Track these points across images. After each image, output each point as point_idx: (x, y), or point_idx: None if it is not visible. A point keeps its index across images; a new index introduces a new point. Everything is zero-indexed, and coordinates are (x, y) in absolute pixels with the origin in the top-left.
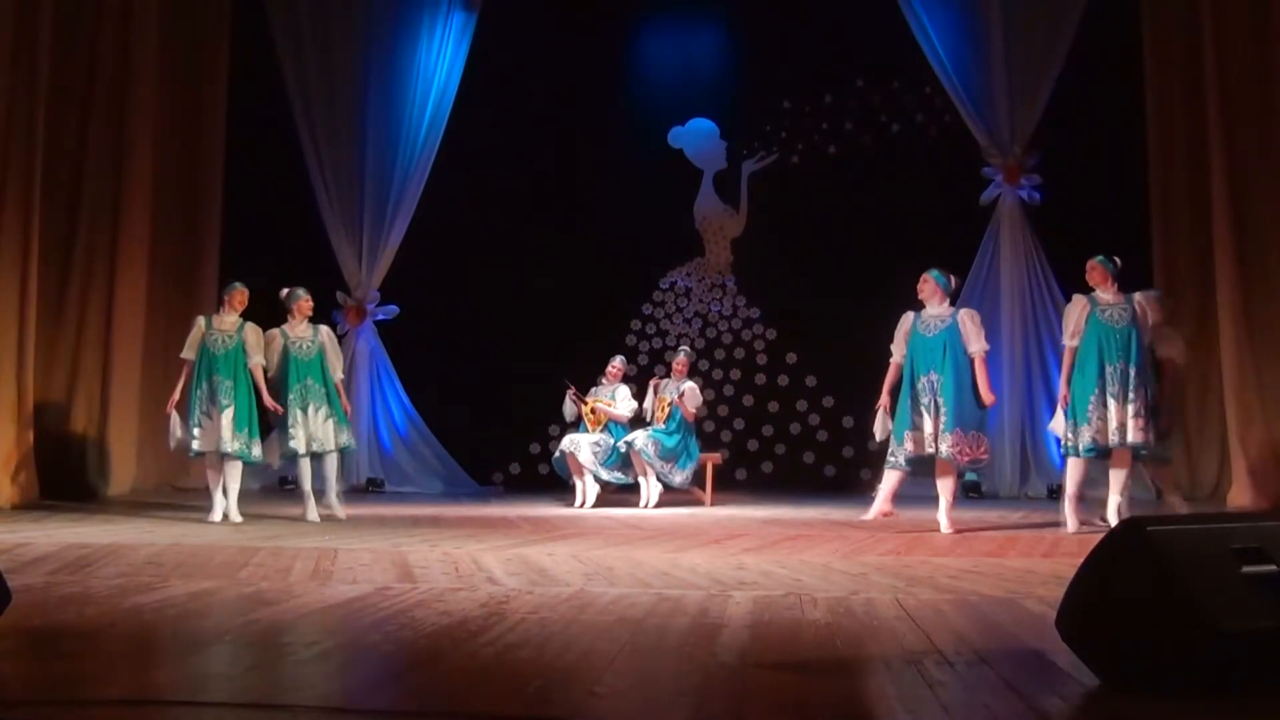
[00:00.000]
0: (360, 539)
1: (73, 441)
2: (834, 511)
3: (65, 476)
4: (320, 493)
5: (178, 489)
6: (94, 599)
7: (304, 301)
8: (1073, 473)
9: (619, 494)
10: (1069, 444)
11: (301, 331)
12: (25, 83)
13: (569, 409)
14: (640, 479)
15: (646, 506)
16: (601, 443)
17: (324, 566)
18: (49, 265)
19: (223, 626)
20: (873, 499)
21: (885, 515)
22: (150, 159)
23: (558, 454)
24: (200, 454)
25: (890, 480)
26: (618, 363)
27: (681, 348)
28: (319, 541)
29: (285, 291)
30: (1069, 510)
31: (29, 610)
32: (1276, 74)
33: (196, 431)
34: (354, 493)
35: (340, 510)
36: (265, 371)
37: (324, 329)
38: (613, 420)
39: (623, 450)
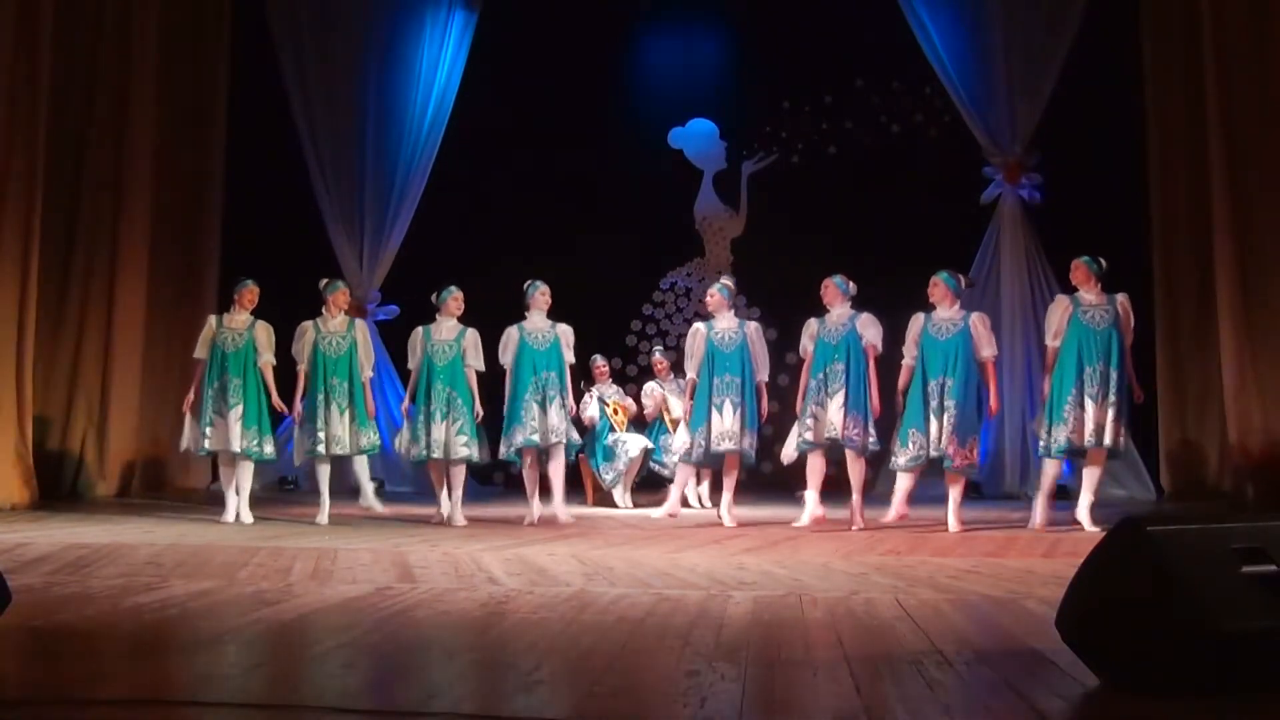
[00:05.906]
0: (360, 539)
1: (73, 442)
2: (835, 511)
3: (65, 477)
4: (356, 493)
5: (178, 489)
6: (94, 599)
7: (340, 294)
8: (1048, 472)
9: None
10: (1044, 444)
11: (335, 327)
12: (26, 84)
13: (593, 411)
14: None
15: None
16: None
17: (324, 566)
18: (49, 266)
19: (223, 626)
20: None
21: (903, 518)
22: (150, 160)
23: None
24: (211, 453)
25: (904, 481)
26: (600, 361)
27: (655, 348)
28: (319, 541)
29: (324, 283)
30: (1039, 506)
31: (29, 610)
32: (1277, 73)
33: (208, 430)
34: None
35: (380, 506)
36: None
37: (360, 324)
38: (630, 418)
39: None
